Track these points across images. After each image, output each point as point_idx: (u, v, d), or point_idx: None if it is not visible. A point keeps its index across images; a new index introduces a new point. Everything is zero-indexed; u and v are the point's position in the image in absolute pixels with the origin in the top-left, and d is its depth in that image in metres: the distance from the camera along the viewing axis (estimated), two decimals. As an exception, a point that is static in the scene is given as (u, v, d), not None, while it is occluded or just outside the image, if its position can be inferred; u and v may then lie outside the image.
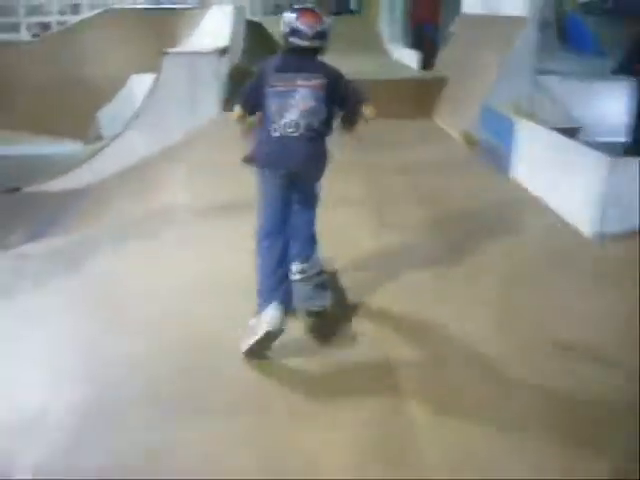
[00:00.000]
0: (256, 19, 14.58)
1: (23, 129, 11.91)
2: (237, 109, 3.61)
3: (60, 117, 12.05)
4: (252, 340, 3.29)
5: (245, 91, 3.65)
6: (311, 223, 3.76)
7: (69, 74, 12.59)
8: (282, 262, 3.50)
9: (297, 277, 3.75)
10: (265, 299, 3.36)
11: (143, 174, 7.65)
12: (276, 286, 3.42)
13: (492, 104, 7.00)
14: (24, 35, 15.31)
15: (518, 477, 2.53)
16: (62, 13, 16.10)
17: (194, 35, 10.36)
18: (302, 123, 3.43)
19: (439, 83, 8.97)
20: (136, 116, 8.78)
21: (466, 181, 6.25)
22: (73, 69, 12.68)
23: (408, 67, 10.65)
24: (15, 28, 15.36)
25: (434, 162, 6.87)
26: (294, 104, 3.41)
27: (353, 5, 17.22)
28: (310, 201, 3.73)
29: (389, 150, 7.28)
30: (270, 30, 13.56)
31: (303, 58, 3.50)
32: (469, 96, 7.87)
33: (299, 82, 3.43)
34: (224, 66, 9.49)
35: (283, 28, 3.49)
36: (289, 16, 3.46)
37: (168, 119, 8.60)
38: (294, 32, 3.44)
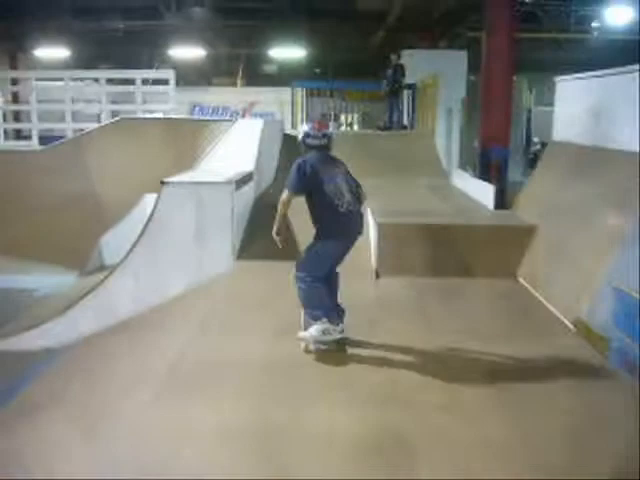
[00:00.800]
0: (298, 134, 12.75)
1: (10, 253, 10.00)
2: (287, 194, 4.73)
3: (59, 240, 10.11)
4: (329, 338, 4.74)
5: (294, 182, 4.70)
6: None
7: (76, 189, 10.73)
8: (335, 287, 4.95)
9: None
10: (323, 314, 4.74)
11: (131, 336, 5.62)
12: (333, 307, 4.82)
13: (624, 283, 4.70)
14: (35, 143, 13.73)
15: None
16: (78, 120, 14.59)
17: (211, 156, 8.44)
18: (352, 200, 4.78)
19: (527, 232, 6.74)
20: (125, 257, 6.71)
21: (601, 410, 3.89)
22: (80, 184, 10.80)
23: (477, 203, 8.47)
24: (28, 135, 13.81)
25: (542, 374, 4.49)
26: (341, 187, 4.74)
27: (406, 119, 15.48)
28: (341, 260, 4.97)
29: (465, 338, 4.99)
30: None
31: (324, 154, 4.93)
32: (578, 262, 5.61)
33: (336, 170, 4.85)
34: (246, 198, 7.48)
35: (301, 135, 5.01)
36: (305, 126, 5.53)
37: (165, 268, 6.53)
38: (308, 135, 4.94)
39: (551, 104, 7.84)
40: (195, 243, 6.54)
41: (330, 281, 4.83)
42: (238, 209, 6.99)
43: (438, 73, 14.08)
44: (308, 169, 4.66)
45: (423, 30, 19.70)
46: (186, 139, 9.71)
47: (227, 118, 10.19)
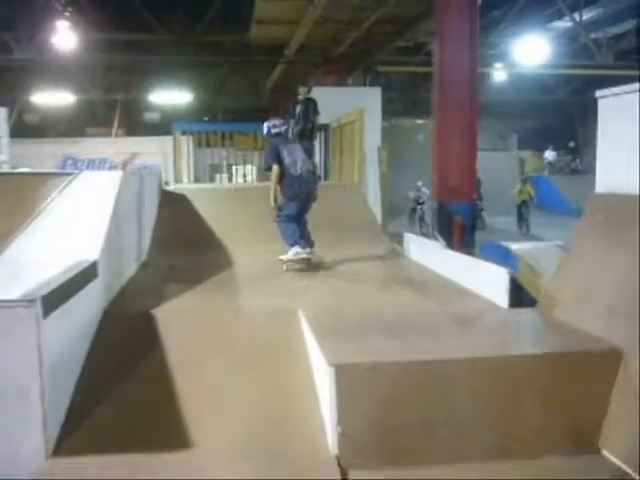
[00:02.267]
0: (182, 190, 9.43)
1: None
2: (275, 167, 6.61)
3: None
4: (299, 256, 6.47)
5: (267, 159, 6.77)
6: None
7: None
8: (303, 227, 6.69)
9: None
10: (297, 242, 6.46)
11: None
12: (304, 236, 6.58)
13: None
14: None
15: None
16: None
17: (28, 234, 4.91)
18: (304, 166, 6.69)
19: (604, 361, 3.66)
20: None
21: None
22: None
23: (474, 295, 5.28)
24: None
25: None
26: (297, 158, 6.68)
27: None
28: (309, 210, 6.80)
29: None
30: (197, 205, 8.42)
31: (283, 138, 7.16)
32: None
33: (292, 147, 6.89)
34: (79, 318, 4.03)
35: (266, 130, 7.02)
36: (268, 122, 7.06)
37: None
38: (275, 126, 6.96)
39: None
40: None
41: (300, 222, 6.68)
42: (59, 347, 3.56)
43: (357, 109, 11.17)
44: (273, 149, 6.71)
45: (328, 64, 16.95)
46: (11, 201, 6.11)
47: (66, 171, 6.75)
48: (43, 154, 23.01)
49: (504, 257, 8.44)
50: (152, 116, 27.13)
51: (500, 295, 4.78)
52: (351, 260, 6.93)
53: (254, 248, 7.25)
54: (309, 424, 3.59)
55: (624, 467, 3.36)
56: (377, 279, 6.16)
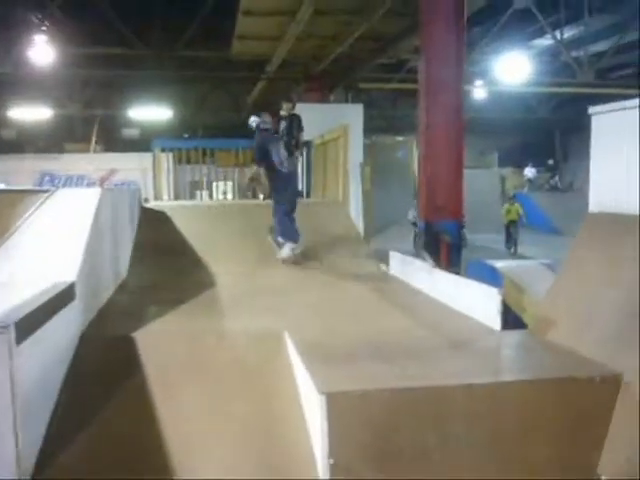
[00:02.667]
0: (162, 207, 9.23)
1: None
2: (257, 165, 7.55)
3: None
4: (296, 252, 7.39)
5: (257, 155, 7.57)
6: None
7: None
8: (294, 223, 7.47)
9: None
10: (289, 238, 7.36)
11: None
12: (295, 231, 7.42)
13: None
14: None
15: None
16: None
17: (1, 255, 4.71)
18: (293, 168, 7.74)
19: (603, 388, 3.53)
20: None
21: None
22: None
23: (463, 316, 5.15)
24: None
25: None
26: (282, 156, 7.45)
27: (300, 185, 12.36)
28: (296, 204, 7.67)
29: None
30: (177, 222, 8.24)
31: (270, 134, 7.63)
32: None
33: (279, 144, 7.48)
34: (55, 343, 3.83)
35: (255, 124, 7.85)
36: (258, 117, 7.87)
37: None
38: (264, 122, 7.68)
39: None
40: None
41: (291, 218, 7.50)
42: (34, 374, 3.36)
43: (340, 125, 11.07)
44: (261, 146, 7.50)
45: (309, 81, 16.87)
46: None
47: (41, 188, 6.53)
48: (21, 170, 22.72)
49: (489, 275, 8.35)
50: (131, 132, 26.86)
51: (492, 316, 4.64)
52: (337, 278, 6.78)
53: (236, 266, 7.09)
54: (298, 450, 3.43)
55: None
56: (365, 299, 6.00)
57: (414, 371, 3.74)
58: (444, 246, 7.96)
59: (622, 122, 4.37)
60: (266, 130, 7.65)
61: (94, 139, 25.68)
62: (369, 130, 21.31)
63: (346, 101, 18.16)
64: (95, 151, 25.64)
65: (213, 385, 4.00)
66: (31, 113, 23.36)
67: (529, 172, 29.12)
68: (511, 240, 19.44)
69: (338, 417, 3.22)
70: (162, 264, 7.02)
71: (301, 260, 7.45)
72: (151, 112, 23.79)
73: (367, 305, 5.75)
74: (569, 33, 17.77)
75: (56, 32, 15.85)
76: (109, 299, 5.62)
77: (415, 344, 4.36)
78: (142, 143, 22.88)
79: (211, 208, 10.33)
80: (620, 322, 3.79)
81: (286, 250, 7.36)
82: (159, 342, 4.48)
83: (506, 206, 20.11)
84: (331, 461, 3.16)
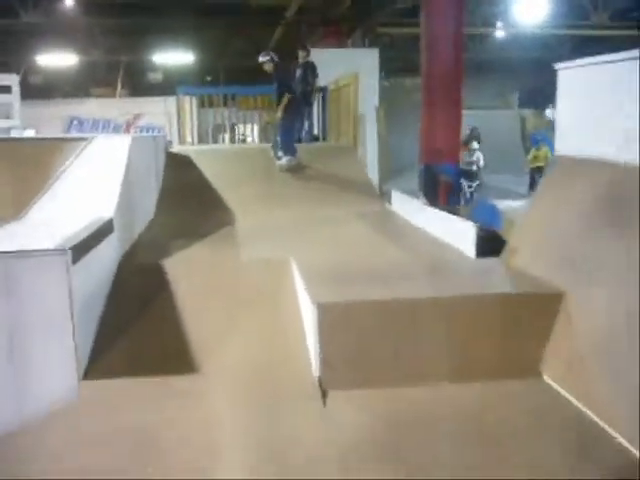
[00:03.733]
0: (186, 151, 9.96)
1: None
2: (287, 97, 8.89)
3: None
4: (292, 163, 8.80)
5: (282, 86, 9.07)
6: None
7: None
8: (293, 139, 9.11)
9: None
10: (289, 150, 8.83)
11: None
12: (294, 147, 8.91)
13: None
14: None
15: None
16: None
17: (49, 196, 5.54)
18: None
19: (548, 302, 4.30)
20: None
21: None
22: None
23: (446, 246, 5.93)
24: None
25: None
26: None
27: (317, 129, 12.97)
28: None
29: None
30: (201, 166, 8.98)
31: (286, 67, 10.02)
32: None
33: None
34: (100, 266, 4.68)
35: (269, 57, 9.10)
36: (265, 54, 9.25)
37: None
38: (275, 56, 9.15)
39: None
40: (7, 361, 3.72)
41: (293, 133, 9.12)
42: (85, 289, 4.20)
43: (351, 73, 11.60)
44: (284, 76, 9.21)
45: (327, 25, 17.29)
46: (28, 166, 6.70)
47: (81, 135, 7.30)
48: (49, 115, 23.44)
49: (493, 214, 9.05)
50: (155, 76, 27.42)
51: (469, 247, 5.41)
52: (342, 216, 7.50)
53: (255, 206, 7.85)
54: (297, 353, 4.26)
55: (556, 386, 4.02)
56: (364, 233, 6.76)
57: (395, 288, 4.53)
58: (443, 187, 8.64)
59: (585, 77, 5.00)
60: (280, 62, 9.16)
61: (120, 84, 26.29)
62: (390, 72, 21.69)
63: (363, 46, 18.51)
64: (120, 96, 26.26)
65: (230, 302, 4.84)
66: (57, 59, 23.96)
67: (550, 113, 29.11)
68: (535, 186, 18.87)
69: (327, 322, 4.04)
70: (186, 205, 7.79)
71: (296, 169, 8.89)
72: (174, 57, 24.27)
73: (365, 238, 6.52)
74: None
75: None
76: (140, 234, 6.45)
77: (401, 269, 5.14)
78: (166, 87, 23.47)
79: (232, 151, 11.07)
80: (564, 249, 4.53)
81: (284, 161, 8.87)
82: (184, 269, 5.30)
83: (532, 151, 18.14)
84: (321, 357, 4.00)
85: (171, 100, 19.70)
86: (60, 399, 3.85)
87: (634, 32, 17.60)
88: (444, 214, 6.40)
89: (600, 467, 3.26)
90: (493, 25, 21.54)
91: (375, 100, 14.31)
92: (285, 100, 8.83)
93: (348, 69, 11.85)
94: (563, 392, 4.00)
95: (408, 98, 23.49)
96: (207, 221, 7.21)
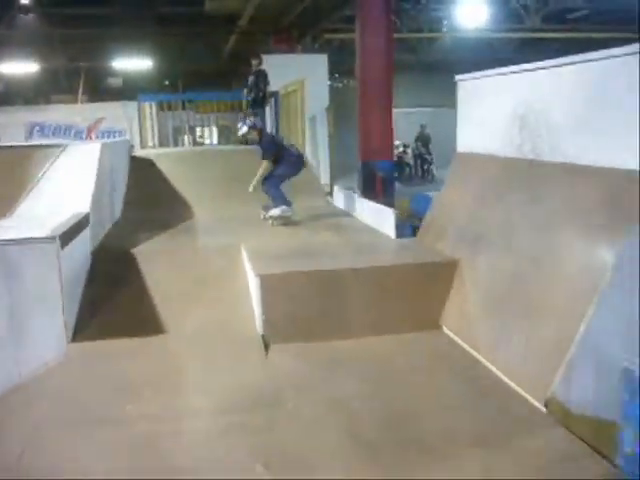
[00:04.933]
0: (148, 155, 10.85)
1: None
2: (268, 162, 7.74)
3: None
4: (286, 213, 7.71)
5: (270, 153, 7.78)
6: None
7: None
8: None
9: None
10: (282, 203, 7.68)
11: None
12: (286, 198, 7.74)
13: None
14: None
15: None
16: None
17: (32, 197, 6.45)
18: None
19: (446, 269, 5.40)
20: None
21: None
22: None
23: (375, 232, 7.04)
24: None
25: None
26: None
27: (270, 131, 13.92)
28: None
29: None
30: (162, 168, 9.87)
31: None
32: (535, 312, 4.31)
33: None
34: (80, 252, 5.62)
35: (247, 127, 7.98)
36: (242, 123, 8.21)
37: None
38: (255, 121, 8.26)
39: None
40: (8, 329, 4.64)
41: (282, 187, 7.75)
42: (70, 272, 5.15)
43: (299, 79, 12.60)
44: (272, 143, 7.98)
45: (278, 32, 18.29)
46: (5, 172, 7.58)
47: (55, 143, 8.11)
48: (10, 122, 23.91)
49: (427, 203, 10.15)
50: (115, 82, 28.05)
51: (391, 230, 6.50)
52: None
53: (212, 203, 8.78)
54: (245, 316, 5.28)
55: (452, 335, 5.10)
56: (306, 222, 7.78)
57: (324, 263, 5.57)
58: (379, 181, 9.70)
59: (478, 87, 6.10)
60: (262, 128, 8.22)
61: (81, 90, 26.85)
62: (343, 73, 22.71)
63: (314, 51, 19.48)
64: (82, 101, 26.82)
65: (190, 279, 5.81)
66: (18, 67, 24.49)
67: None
68: None
69: (268, 290, 5.06)
70: (150, 204, 8.66)
71: (291, 223, 7.75)
72: (133, 63, 24.99)
73: (305, 227, 7.55)
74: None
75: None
76: (109, 229, 7.35)
77: (333, 249, 6.19)
78: (126, 91, 24.19)
79: (191, 153, 12.00)
80: (460, 226, 5.64)
81: (277, 210, 7.65)
82: (150, 255, 6.24)
83: None
84: (263, 317, 5.01)
85: (131, 104, 20.43)
86: (53, 359, 4.79)
87: (565, 34, 18.96)
88: (374, 204, 7.48)
89: (481, 390, 4.31)
90: (439, 29, 22.71)
91: (325, 102, 15.22)
92: (265, 165, 7.60)
93: (299, 73, 12.83)
94: (457, 340, 5.09)
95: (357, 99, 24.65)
96: (170, 217, 8.10)
